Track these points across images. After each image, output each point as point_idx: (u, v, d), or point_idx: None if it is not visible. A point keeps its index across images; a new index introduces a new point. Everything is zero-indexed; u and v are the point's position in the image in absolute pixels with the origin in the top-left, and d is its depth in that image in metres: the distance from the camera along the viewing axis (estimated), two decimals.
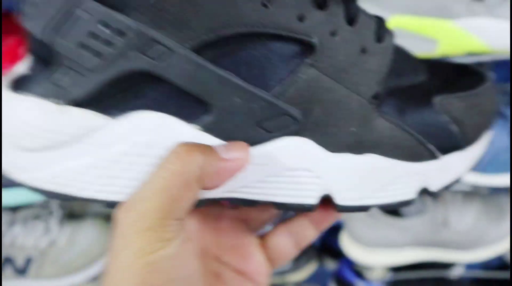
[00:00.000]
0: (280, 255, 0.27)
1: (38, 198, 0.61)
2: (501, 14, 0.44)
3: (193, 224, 0.25)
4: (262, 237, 0.27)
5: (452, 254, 0.65)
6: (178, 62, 0.20)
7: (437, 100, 0.25)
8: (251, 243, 0.27)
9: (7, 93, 0.21)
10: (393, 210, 0.66)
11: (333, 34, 0.22)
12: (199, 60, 0.20)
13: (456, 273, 0.76)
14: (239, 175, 0.21)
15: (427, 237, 0.62)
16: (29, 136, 0.20)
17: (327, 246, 0.86)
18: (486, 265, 0.87)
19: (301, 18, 0.21)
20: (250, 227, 0.27)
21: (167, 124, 0.21)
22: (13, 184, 0.28)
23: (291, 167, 0.23)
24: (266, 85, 0.21)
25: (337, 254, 0.85)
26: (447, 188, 0.26)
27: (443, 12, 0.44)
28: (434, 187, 0.26)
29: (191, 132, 0.21)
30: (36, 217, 0.70)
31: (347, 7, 0.23)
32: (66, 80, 0.20)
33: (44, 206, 0.72)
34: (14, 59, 0.52)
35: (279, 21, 0.20)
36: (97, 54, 0.19)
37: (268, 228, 0.28)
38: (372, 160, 0.24)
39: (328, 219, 0.26)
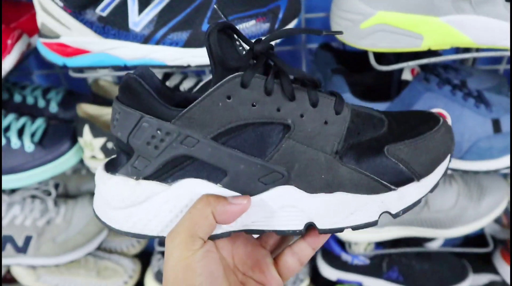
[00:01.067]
0: (289, 270, 0.36)
1: (34, 181, 0.62)
2: (485, 12, 0.44)
3: (228, 250, 0.35)
4: (275, 258, 0.37)
5: (432, 231, 0.68)
6: (204, 147, 0.31)
7: (387, 148, 0.33)
8: (267, 262, 0.36)
9: (103, 173, 0.33)
10: None
11: (302, 115, 0.32)
12: (216, 144, 0.31)
13: (434, 245, 0.81)
14: (250, 214, 0.32)
15: (407, 217, 0.65)
16: (118, 200, 0.33)
17: None
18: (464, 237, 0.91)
19: (278, 109, 0.31)
20: (268, 250, 0.38)
21: (201, 185, 0.32)
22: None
23: (283, 205, 0.33)
24: (260, 154, 0.32)
25: None
26: (405, 211, 0.34)
27: (429, 9, 0.44)
28: (394, 211, 0.34)
29: (216, 189, 0.32)
30: (34, 197, 0.72)
31: (310, 96, 0.32)
32: (139, 164, 0.32)
33: (40, 187, 0.73)
34: (4, 49, 0.52)
35: (264, 114, 0.31)
36: (156, 147, 0.31)
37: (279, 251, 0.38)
38: (339, 197, 0.33)
39: (319, 241, 0.36)
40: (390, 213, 0.34)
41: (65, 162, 0.61)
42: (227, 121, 0.31)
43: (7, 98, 0.72)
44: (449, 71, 0.62)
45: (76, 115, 0.61)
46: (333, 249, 0.79)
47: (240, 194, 0.33)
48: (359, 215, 0.33)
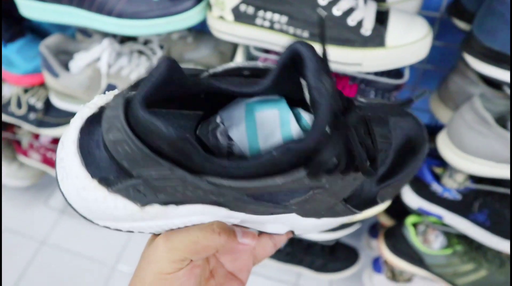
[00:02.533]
0: (264, 252, 0.37)
1: (152, 32, 0.60)
2: None
3: None
4: None
5: None
6: (231, 200, 0.28)
7: (379, 194, 0.35)
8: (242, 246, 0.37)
9: (104, 191, 0.27)
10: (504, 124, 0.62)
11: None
12: (245, 198, 0.28)
13: None
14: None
15: None
16: (115, 218, 0.29)
17: None
18: None
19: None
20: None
21: (210, 209, 0.29)
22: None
23: (275, 221, 0.33)
24: (281, 202, 0.30)
25: None
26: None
27: None
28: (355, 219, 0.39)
29: (225, 212, 0.29)
30: (141, 53, 0.70)
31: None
32: (146, 191, 0.26)
33: (147, 44, 0.72)
34: None
35: (303, 185, 0.26)
36: (176, 190, 0.26)
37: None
38: (325, 221, 0.35)
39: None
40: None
41: (188, 18, 0.58)
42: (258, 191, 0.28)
43: None
44: None
45: None
46: (425, 177, 0.75)
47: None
48: (332, 226, 0.38)
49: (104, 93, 0.29)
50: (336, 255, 1.00)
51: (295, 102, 0.29)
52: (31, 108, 0.85)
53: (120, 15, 0.60)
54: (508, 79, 0.53)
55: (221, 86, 0.29)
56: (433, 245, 0.82)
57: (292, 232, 0.37)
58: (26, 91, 0.85)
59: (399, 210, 0.86)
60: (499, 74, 0.53)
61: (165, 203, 0.28)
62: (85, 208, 0.28)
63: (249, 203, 0.28)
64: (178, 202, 0.28)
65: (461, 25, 0.62)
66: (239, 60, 0.66)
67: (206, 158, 0.24)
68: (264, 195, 0.29)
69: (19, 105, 0.85)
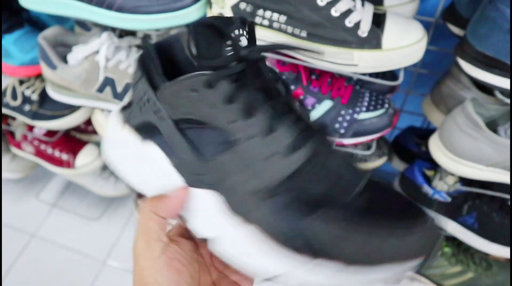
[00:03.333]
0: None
1: (152, 27, 0.61)
2: None
3: (207, 248, 0.35)
4: None
5: None
6: (165, 124, 0.34)
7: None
8: None
9: (116, 110, 0.40)
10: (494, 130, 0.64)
11: (251, 137, 0.31)
12: (173, 126, 0.33)
13: None
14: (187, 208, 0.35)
15: None
16: (109, 135, 0.39)
17: (399, 145, 0.86)
18: None
19: (232, 121, 0.31)
20: None
21: (160, 156, 0.35)
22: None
23: (204, 209, 0.34)
24: (202, 153, 0.33)
25: (406, 156, 0.86)
26: None
27: None
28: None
29: (169, 167, 0.35)
30: (139, 47, 0.71)
31: (269, 121, 0.31)
32: (131, 114, 0.37)
33: (145, 38, 0.72)
34: None
35: (218, 120, 0.31)
36: (140, 107, 0.35)
37: None
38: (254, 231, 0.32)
39: None
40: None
41: (188, 14, 0.59)
42: (187, 111, 0.32)
43: None
44: None
45: None
46: (416, 179, 0.76)
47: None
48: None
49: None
50: None
51: None
52: (26, 100, 0.85)
53: (120, 9, 0.60)
54: (499, 84, 0.54)
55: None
56: None
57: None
58: (21, 82, 0.85)
59: None
60: (491, 79, 0.54)
61: (136, 128, 0.36)
62: (107, 144, 0.40)
63: (174, 137, 0.33)
64: (142, 129, 0.36)
65: (455, 30, 0.63)
66: None
67: (156, 70, 0.34)
68: (189, 133, 0.33)
69: (14, 96, 0.85)
